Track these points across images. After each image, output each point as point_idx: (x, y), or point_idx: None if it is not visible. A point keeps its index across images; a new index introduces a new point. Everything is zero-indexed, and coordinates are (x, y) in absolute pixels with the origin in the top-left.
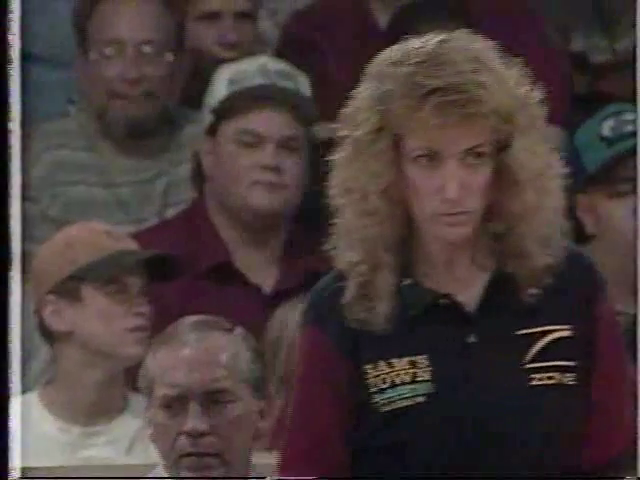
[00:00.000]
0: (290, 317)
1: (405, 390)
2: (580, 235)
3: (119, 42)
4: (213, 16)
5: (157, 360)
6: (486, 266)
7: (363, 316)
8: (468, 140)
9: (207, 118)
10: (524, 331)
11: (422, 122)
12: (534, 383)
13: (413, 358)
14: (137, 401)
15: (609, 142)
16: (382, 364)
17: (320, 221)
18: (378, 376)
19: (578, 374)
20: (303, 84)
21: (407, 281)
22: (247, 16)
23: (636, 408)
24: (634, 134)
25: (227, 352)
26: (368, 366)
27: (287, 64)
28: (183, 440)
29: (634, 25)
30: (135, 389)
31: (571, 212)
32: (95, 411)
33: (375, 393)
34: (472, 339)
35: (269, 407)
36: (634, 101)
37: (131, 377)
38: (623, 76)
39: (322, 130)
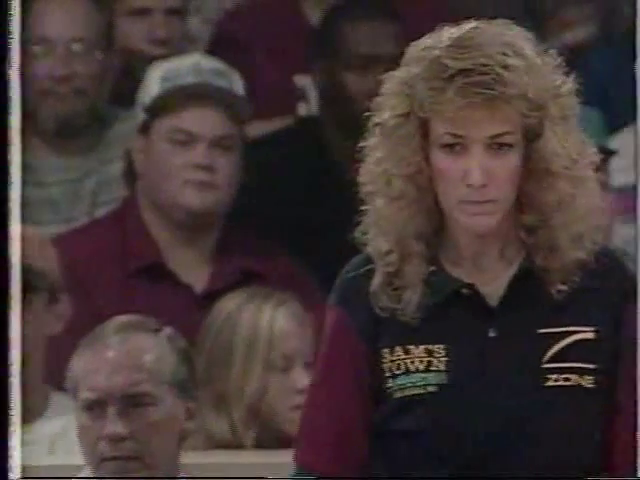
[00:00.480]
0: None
1: (418, 378)
2: None
3: (48, 40)
4: (143, 12)
5: (82, 362)
6: (515, 260)
7: (391, 304)
8: (494, 126)
9: (139, 116)
10: (546, 330)
11: (446, 105)
12: (550, 384)
13: (430, 346)
14: (59, 401)
15: None
16: (399, 349)
17: (253, 220)
18: (394, 361)
19: (598, 377)
20: (236, 82)
21: (433, 268)
22: (177, 12)
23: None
24: None
25: (150, 354)
26: (385, 350)
27: (220, 62)
28: (103, 444)
29: (572, 24)
30: (57, 389)
31: None
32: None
33: (389, 378)
34: (492, 333)
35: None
36: None
37: (52, 377)
38: None
39: (254, 128)
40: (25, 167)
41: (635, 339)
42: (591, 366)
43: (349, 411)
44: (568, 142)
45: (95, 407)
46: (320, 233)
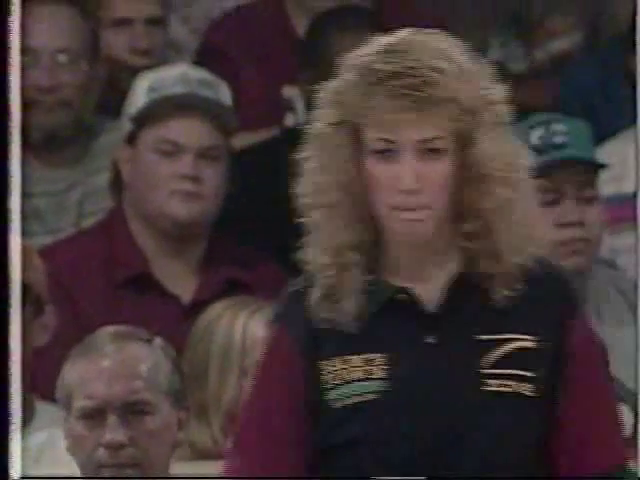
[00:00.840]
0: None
1: (357, 387)
2: None
3: (34, 51)
4: (124, 22)
5: (76, 371)
6: (454, 267)
7: (330, 315)
8: (424, 129)
9: (126, 126)
10: (487, 336)
11: (377, 108)
12: (488, 389)
13: (369, 355)
14: (44, 411)
15: (538, 151)
16: (338, 361)
17: (240, 230)
18: (333, 373)
19: (537, 386)
20: (223, 93)
21: (370, 277)
22: (158, 22)
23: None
24: (563, 145)
25: (146, 363)
26: (325, 362)
27: (207, 72)
28: (102, 452)
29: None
30: (42, 399)
31: None
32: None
33: (330, 389)
34: (430, 339)
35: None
36: (556, 110)
37: (37, 387)
38: (541, 84)
39: (241, 139)
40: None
41: (584, 354)
42: (530, 374)
43: (281, 428)
44: (503, 148)
45: (94, 415)
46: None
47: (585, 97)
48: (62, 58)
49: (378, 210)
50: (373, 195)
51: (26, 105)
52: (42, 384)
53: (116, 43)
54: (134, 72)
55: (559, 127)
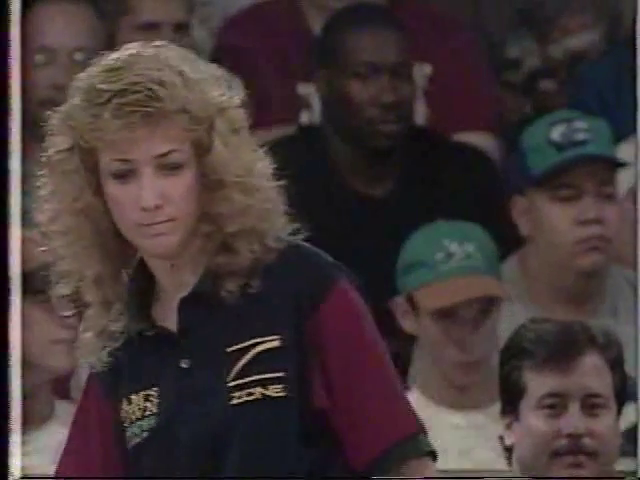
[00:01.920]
0: None
1: (135, 428)
2: (514, 237)
3: (50, 49)
4: (151, 27)
5: None
6: (194, 281)
7: (95, 356)
8: (158, 145)
9: None
10: (233, 347)
11: (105, 129)
12: (234, 402)
13: (147, 392)
14: (64, 409)
15: (558, 147)
16: (124, 402)
17: None
18: (125, 413)
19: (289, 384)
20: (237, 90)
21: (118, 311)
22: (184, 27)
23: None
24: (584, 142)
25: None
26: (119, 402)
27: (220, 69)
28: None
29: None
30: (63, 397)
31: (506, 213)
32: (24, 419)
33: (124, 430)
34: (184, 364)
35: None
36: (571, 108)
37: (58, 385)
38: (557, 82)
39: (257, 137)
40: (26, 176)
41: (336, 336)
42: (279, 374)
43: (93, 461)
44: (240, 154)
45: None
46: (321, 240)
47: (600, 96)
48: (79, 56)
49: (123, 230)
50: (115, 216)
51: (42, 103)
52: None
53: None
54: None
55: (580, 124)
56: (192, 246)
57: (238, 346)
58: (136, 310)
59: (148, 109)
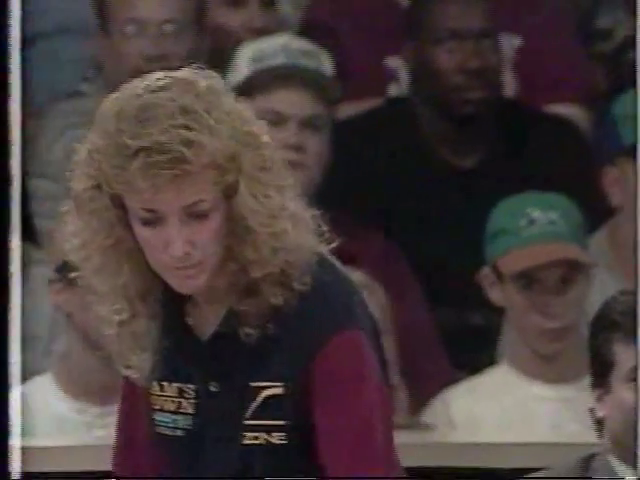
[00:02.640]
0: None
1: (167, 418)
2: (604, 208)
3: (140, 21)
4: (239, 3)
5: None
6: (225, 307)
7: (133, 363)
8: (185, 198)
9: None
10: (254, 384)
11: (131, 184)
12: (245, 442)
13: (181, 386)
14: None
15: None
16: (155, 384)
17: (343, 200)
18: (155, 397)
19: (290, 433)
20: (325, 63)
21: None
22: (271, 1)
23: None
24: None
25: None
26: (151, 385)
27: (309, 43)
28: None
29: None
30: None
31: (596, 185)
32: (108, 391)
33: (154, 412)
34: (213, 388)
35: None
36: None
37: None
38: None
39: (345, 110)
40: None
41: (328, 384)
42: (280, 422)
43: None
44: (267, 196)
45: None
46: (411, 213)
47: None
48: (168, 28)
49: (153, 266)
50: (146, 254)
51: (131, 73)
52: None
53: (227, 19)
54: (237, 43)
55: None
56: (218, 282)
57: (256, 384)
58: (172, 320)
59: (174, 171)
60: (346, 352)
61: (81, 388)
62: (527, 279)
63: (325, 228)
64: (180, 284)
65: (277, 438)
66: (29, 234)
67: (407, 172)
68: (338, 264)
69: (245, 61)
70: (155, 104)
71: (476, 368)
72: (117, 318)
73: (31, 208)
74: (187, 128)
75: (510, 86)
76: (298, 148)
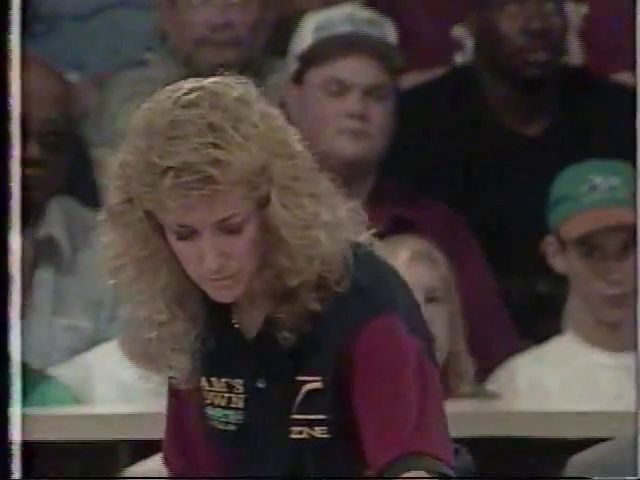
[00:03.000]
0: None
1: (218, 413)
2: None
3: None
4: None
5: None
6: (263, 310)
7: (173, 364)
8: (216, 214)
9: (293, 65)
10: (298, 377)
11: (162, 201)
12: (293, 436)
13: (229, 380)
14: None
15: None
16: (204, 380)
17: (407, 169)
18: (205, 392)
19: (332, 427)
20: (389, 32)
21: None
22: None
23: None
24: None
25: None
26: (199, 381)
27: (373, 12)
28: None
29: None
30: None
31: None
32: None
33: (205, 406)
34: (260, 384)
35: None
36: None
37: None
38: None
39: (410, 79)
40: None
41: (368, 378)
42: (321, 417)
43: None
44: (300, 206)
45: None
46: (476, 181)
47: None
48: None
49: (190, 275)
50: (182, 264)
51: (197, 42)
52: None
53: None
54: (302, 12)
55: None
56: (255, 289)
57: (299, 378)
58: (217, 319)
59: (203, 192)
60: (382, 336)
61: (146, 355)
62: (588, 246)
63: (364, 217)
64: (217, 294)
65: (320, 432)
66: (95, 201)
67: (471, 141)
68: (376, 250)
69: (310, 30)
70: (184, 121)
71: (541, 337)
72: (157, 319)
73: (97, 176)
74: (215, 147)
75: (576, 54)
76: (362, 117)
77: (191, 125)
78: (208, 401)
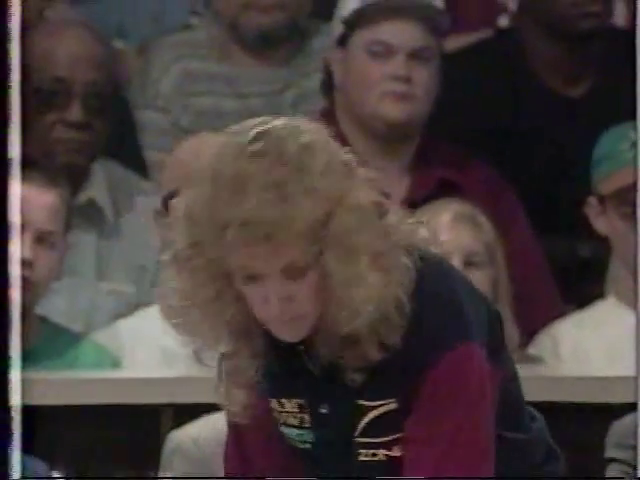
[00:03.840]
0: None
1: (293, 433)
2: None
3: None
4: None
5: None
6: (330, 347)
7: (234, 398)
8: (280, 262)
9: (338, 28)
10: (364, 402)
11: (227, 249)
12: (362, 458)
13: (299, 401)
14: None
15: None
16: (275, 402)
17: (452, 131)
18: (277, 413)
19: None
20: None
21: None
22: None
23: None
24: None
25: None
26: (270, 402)
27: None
28: None
29: None
30: None
31: None
32: None
33: (280, 425)
34: (323, 410)
35: None
36: None
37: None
38: None
39: (454, 42)
40: (225, 78)
41: (431, 396)
42: (397, 435)
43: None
44: (352, 261)
45: None
46: (520, 144)
47: None
48: None
49: (256, 315)
50: (248, 303)
51: (243, 5)
52: None
53: None
54: None
55: None
56: (319, 329)
57: (365, 403)
58: (284, 349)
59: (268, 245)
60: (458, 370)
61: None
62: (628, 206)
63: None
64: (281, 334)
65: (398, 450)
66: (138, 165)
67: (516, 103)
68: (446, 267)
69: None
70: (248, 175)
71: (584, 301)
72: (221, 350)
73: (140, 140)
74: (279, 202)
75: (623, 17)
76: (407, 79)
77: (255, 180)
78: (282, 421)
